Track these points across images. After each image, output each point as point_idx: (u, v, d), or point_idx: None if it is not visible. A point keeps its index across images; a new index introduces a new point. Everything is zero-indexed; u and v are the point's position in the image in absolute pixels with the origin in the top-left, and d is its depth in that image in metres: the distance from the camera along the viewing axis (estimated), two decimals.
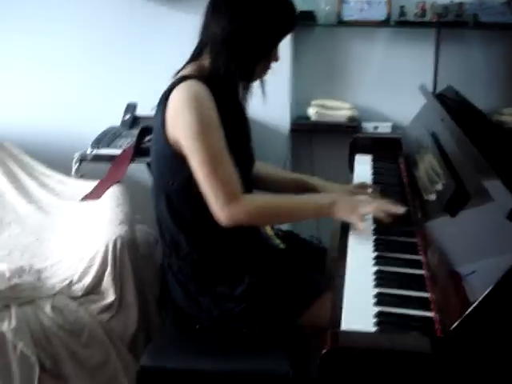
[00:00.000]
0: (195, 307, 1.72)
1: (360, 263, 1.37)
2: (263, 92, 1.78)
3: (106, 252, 1.83)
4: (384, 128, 2.71)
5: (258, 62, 1.65)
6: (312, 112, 2.78)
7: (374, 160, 2.23)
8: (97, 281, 1.86)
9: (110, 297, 1.84)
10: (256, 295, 1.67)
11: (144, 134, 2.54)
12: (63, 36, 2.91)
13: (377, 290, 1.21)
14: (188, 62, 1.70)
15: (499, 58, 1.94)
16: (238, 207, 1.58)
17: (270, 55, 1.67)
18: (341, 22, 2.70)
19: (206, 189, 1.58)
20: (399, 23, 2.66)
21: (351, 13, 2.66)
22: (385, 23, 2.67)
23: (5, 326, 1.68)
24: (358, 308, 1.15)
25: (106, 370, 1.79)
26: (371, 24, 2.69)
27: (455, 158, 1.51)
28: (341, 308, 1.15)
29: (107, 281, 1.84)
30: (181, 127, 1.57)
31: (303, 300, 1.67)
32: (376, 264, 1.34)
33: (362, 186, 1.88)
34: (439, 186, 1.48)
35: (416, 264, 1.33)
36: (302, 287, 1.70)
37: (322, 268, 1.85)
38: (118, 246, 1.84)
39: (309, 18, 2.67)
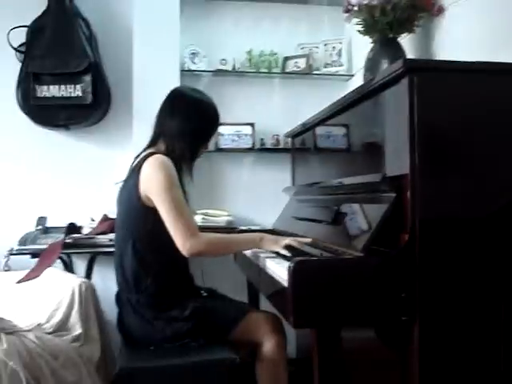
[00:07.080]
0: (150, 330, 2.14)
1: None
2: (191, 176, 2.41)
3: (72, 295, 2.22)
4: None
5: (200, 149, 2.35)
6: (199, 219, 3.31)
7: None
8: (64, 319, 2.20)
9: (78, 330, 2.18)
10: (199, 316, 2.16)
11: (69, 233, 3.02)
12: None
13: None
14: (146, 149, 2.31)
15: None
16: (197, 240, 2.09)
17: (206, 145, 2.39)
18: (218, 149, 3.43)
19: (174, 229, 2.08)
20: (260, 149, 3.50)
21: (226, 142, 3.45)
22: (250, 150, 3.47)
23: None
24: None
25: None
26: (240, 150, 3.48)
27: None
28: None
29: (74, 317, 2.20)
30: (154, 185, 2.11)
31: (233, 318, 2.19)
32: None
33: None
34: None
35: None
36: (230, 309, 2.24)
37: None
38: (83, 288, 2.25)
39: None
